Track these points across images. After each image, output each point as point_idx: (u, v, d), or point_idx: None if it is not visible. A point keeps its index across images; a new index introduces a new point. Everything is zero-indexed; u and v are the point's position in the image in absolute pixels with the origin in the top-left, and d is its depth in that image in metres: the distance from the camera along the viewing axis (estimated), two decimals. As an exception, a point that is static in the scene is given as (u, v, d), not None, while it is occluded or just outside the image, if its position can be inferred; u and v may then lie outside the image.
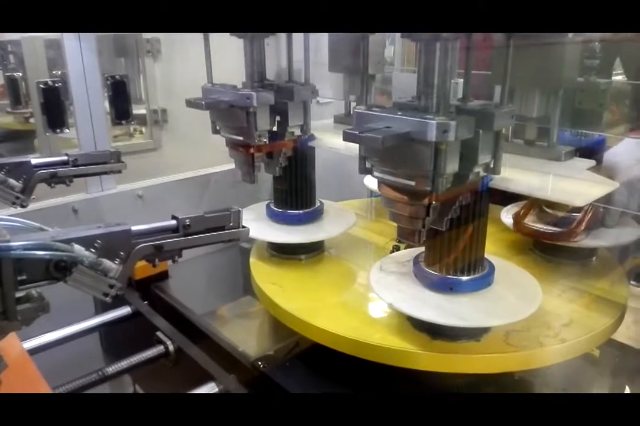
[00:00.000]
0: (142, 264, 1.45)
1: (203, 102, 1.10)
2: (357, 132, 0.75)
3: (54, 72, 1.90)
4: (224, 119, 1.19)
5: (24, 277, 0.65)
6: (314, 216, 1.33)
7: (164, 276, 1.47)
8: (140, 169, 2.14)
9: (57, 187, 1.19)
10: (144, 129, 2.55)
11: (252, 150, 1.18)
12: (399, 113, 0.78)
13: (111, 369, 1.06)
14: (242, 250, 1.69)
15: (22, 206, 1.09)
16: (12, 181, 1.03)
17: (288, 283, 1.22)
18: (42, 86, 1.37)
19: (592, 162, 1.00)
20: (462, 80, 0.92)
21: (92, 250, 0.70)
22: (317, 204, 1.35)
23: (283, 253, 1.33)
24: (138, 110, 2.44)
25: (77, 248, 0.68)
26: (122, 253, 0.74)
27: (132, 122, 1.57)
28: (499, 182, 0.88)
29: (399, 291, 0.97)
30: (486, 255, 0.99)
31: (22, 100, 2.19)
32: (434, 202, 0.82)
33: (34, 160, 1.12)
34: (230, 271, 1.76)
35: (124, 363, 1.07)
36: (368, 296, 1.13)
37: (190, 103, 1.11)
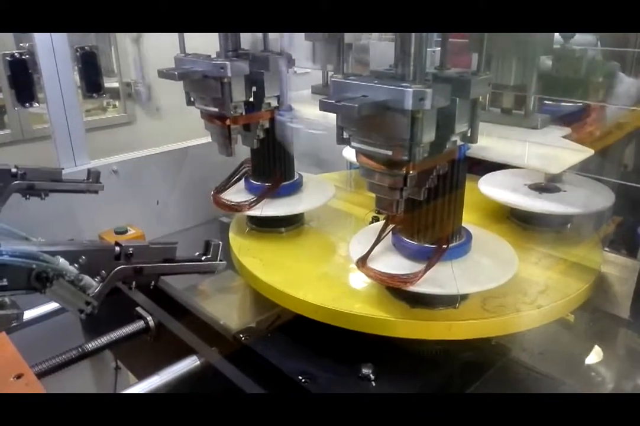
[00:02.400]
0: (120, 239, 1.45)
1: (176, 73, 1.07)
2: (333, 101, 0.73)
3: (21, 44, 1.84)
4: (198, 90, 1.16)
5: (4, 283, 0.65)
6: (293, 188, 1.32)
7: (142, 251, 1.45)
8: (114, 143, 2.10)
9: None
10: (117, 103, 2.50)
11: (228, 122, 1.16)
12: (376, 81, 0.77)
13: (91, 345, 1.05)
14: (222, 224, 1.68)
15: None
16: None
17: (268, 256, 1.22)
18: (8, 58, 1.33)
19: (567, 130, 1.00)
20: (439, 48, 0.91)
21: (76, 265, 0.71)
22: (296, 176, 1.34)
23: (263, 226, 1.33)
24: (110, 83, 2.38)
25: (62, 261, 0.68)
26: (103, 272, 0.75)
27: (104, 95, 1.53)
28: (476, 151, 0.89)
29: (378, 262, 0.97)
30: (464, 224, 1.00)
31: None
32: (411, 171, 0.82)
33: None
34: (210, 245, 1.75)
35: (103, 339, 1.07)
36: (348, 267, 1.13)
37: (163, 74, 1.08)
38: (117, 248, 0.77)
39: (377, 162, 0.83)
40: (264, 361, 1.02)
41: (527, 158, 0.85)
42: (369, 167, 0.85)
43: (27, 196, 1.11)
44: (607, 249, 1.24)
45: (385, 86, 0.75)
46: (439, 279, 0.90)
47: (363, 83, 0.78)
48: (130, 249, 0.77)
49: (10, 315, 0.66)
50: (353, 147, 0.86)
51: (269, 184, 1.27)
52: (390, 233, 1.02)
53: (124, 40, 2.20)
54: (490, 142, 0.90)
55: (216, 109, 1.15)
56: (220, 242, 0.88)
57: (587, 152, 0.88)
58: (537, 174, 1.29)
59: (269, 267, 1.17)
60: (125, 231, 1.48)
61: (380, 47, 1.39)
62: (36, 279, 0.66)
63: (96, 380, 1.63)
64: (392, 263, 0.96)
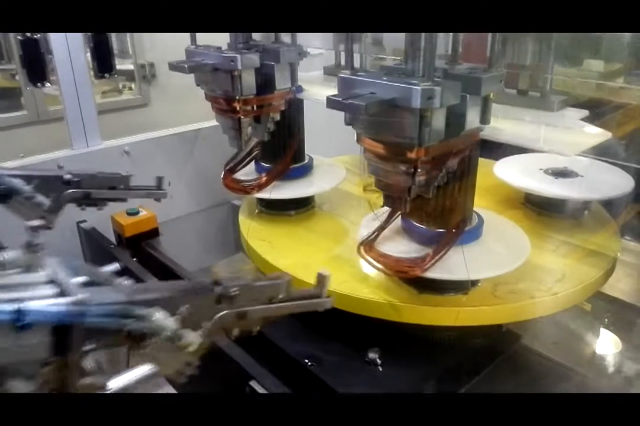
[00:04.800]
0: (132, 221, 1.45)
1: (186, 66, 1.06)
2: (340, 99, 0.72)
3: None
4: (208, 83, 1.15)
5: (92, 347, 0.56)
6: (303, 171, 1.31)
7: (154, 233, 1.45)
8: (128, 125, 2.10)
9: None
10: (133, 85, 2.49)
11: (238, 114, 1.14)
12: (384, 78, 0.75)
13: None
14: (234, 207, 1.68)
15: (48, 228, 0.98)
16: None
17: (278, 239, 1.21)
18: (20, 37, 1.32)
19: (585, 112, 0.96)
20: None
21: (176, 316, 0.58)
22: (307, 159, 1.32)
23: (272, 209, 1.32)
24: (125, 65, 2.38)
25: (159, 316, 0.56)
26: (206, 322, 0.61)
27: (115, 76, 1.52)
28: (489, 133, 0.86)
29: (387, 246, 0.96)
30: (476, 208, 0.98)
31: (5, 55, 2.12)
32: (419, 169, 0.79)
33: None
34: (223, 228, 1.75)
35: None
36: (357, 251, 1.12)
37: (173, 66, 1.07)
38: (217, 289, 0.63)
39: (385, 160, 0.81)
40: (271, 344, 1.02)
41: (541, 141, 0.83)
42: (377, 165, 0.83)
43: (83, 207, 1.01)
44: (627, 237, 1.21)
45: (393, 84, 0.73)
46: (448, 265, 0.89)
47: (371, 80, 0.76)
48: (234, 290, 0.64)
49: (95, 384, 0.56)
50: (361, 144, 0.84)
51: (278, 166, 1.26)
52: (400, 216, 1.00)
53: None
54: (505, 124, 0.87)
55: (226, 102, 1.13)
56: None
57: (604, 135, 0.85)
58: (554, 159, 1.26)
59: (278, 250, 1.16)
60: (137, 213, 1.48)
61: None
62: (127, 337, 0.56)
63: (109, 357, 1.66)
64: (399, 247, 0.94)
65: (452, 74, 0.80)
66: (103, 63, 1.43)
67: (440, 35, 0.90)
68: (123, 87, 2.56)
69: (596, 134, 0.85)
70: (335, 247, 1.19)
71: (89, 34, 1.40)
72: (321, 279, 0.70)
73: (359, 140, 0.86)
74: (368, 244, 0.95)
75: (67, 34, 1.34)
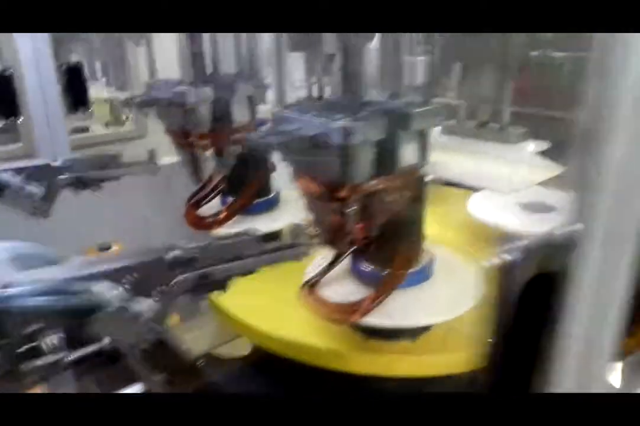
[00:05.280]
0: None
1: (134, 101, 1.04)
2: (254, 137, 0.70)
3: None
4: (165, 117, 1.12)
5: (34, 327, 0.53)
6: (268, 205, 1.26)
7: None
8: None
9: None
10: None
11: (194, 150, 1.12)
12: (311, 114, 0.72)
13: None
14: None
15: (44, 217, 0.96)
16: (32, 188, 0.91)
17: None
18: (-9, 74, 1.34)
19: (545, 145, 0.90)
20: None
21: (125, 285, 0.57)
22: (273, 193, 1.28)
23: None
24: (124, 96, 2.40)
25: (99, 289, 0.54)
26: (161, 287, 0.60)
27: (90, 110, 1.52)
28: (429, 169, 0.80)
29: (331, 288, 0.90)
30: (433, 246, 0.91)
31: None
32: (351, 208, 0.75)
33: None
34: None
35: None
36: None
37: (125, 102, 1.06)
38: (171, 253, 0.61)
39: (316, 198, 0.77)
40: (216, 387, 0.96)
41: (479, 177, 0.77)
42: (311, 203, 0.79)
43: (78, 192, 1.00)
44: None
45: (314, 120, 0.70)
46: (389, 309, 0.82)
47: (296, 116, 0.73)
48: (191, 252, 0.62)
49: (50, 365, 0.54)
50: (293, 181, 0.81)
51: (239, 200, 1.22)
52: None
53: (135, 51, 2.20)
54: (448, 159, 0.82)
55: (182, 136, 1.11)
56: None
57: (554, 170, 0.78)
58: (535, 192, 1.19)
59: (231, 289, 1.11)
60: (109, 248, 1.46)
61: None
62: (71, 314, 0.54)
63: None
64: (344, 289, 0.88)
65: (384, 108, 0.75)
66: (76, 98, 1.44)
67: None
68: (126, 118, 2.59)
69: (545, 169, 0.79)
70: (288, 288, 1.13)
71: (63, 68, 1.41)
72: (296, 228, 0.78)
73: (293, 177, 0.82)
74: (310, 287, 0.90)
75: (40, 69, 1.34)
